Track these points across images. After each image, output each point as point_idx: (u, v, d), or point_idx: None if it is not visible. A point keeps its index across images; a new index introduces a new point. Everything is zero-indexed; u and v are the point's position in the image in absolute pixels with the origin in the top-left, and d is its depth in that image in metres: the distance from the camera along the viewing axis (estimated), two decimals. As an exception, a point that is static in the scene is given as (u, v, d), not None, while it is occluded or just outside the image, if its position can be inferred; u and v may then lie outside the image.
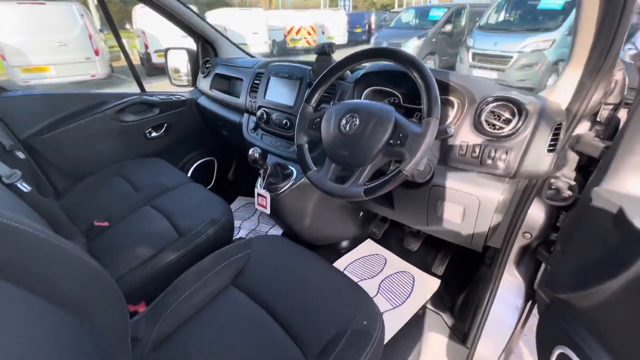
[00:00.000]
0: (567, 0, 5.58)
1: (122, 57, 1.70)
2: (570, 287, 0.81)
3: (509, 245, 1.03)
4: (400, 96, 1.04)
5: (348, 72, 1.13)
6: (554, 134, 0.78)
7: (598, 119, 0.87)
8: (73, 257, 0.50)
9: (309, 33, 11.99)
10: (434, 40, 7.31)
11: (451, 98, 0.90)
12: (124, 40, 1.72)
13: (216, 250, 1.13)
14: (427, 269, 1.44)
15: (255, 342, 0.75)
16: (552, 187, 0.92)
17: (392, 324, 1.21)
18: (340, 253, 1.55)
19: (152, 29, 7.77)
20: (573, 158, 0.92)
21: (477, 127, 0.85)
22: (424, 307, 1.28)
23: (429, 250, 1.52)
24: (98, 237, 1.13)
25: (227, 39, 1.78)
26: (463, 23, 7.88)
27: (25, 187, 0.98)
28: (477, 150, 0.85)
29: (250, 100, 1.39)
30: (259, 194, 1.19)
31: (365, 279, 1.40)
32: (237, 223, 1.77)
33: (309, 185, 1.18)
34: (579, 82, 0.79)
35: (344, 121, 0.82)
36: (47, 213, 1.03)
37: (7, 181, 0.96)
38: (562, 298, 0.84)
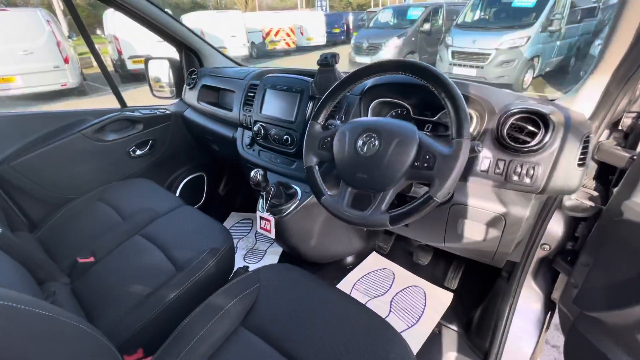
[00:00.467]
0: (538, -2, 5.75)
1: (95, 64, 1.56)
2: (603, 304, 0.77)
3: (528, 258, 0.99)
4: (409, 108, 0.98)
5: None
6: (584, 147, 0.74)
7: (620, 127, 0.84)
8: (51, 323, 0.41)
9: (287, 34, 11.89)
10: (413, 39, 7.40)
11: (470, 110, 0.84)
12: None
13: (218, 282, 1.04)
14: (439, 283, 1.39)
15: None
16: (572, 198, 0.88)
17: (410, 345, 1.15)
18: (346, 270, 1.48)
19: (125, 34, 7.50)
20: (592, 167, 0.89)
21: (500, 141, 0.79)
22: (439, 324, 1.23)
23: (438, 263, 1.47)
24: (83, 276, 1.01)
25: (213, 47, 1.67)
26: (440, 22, 8.01)
27: (-5, 229, 0.85)
28: (501, 165, 0.79)
29: (245, 114, 1.30)
30: (262, 218, 1.10)
31: (375, 297, 1.34)
32: (233, 242, 1.67)
33: (315, 204, 1.11)
34: (605, 91, 0.76)
35: (360, 142, 0.75)
36: (23, 256, 0.91)
37: None
38: (592, 315, 0.81)
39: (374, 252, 1.56)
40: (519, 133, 0.78)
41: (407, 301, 1.32)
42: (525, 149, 0.76)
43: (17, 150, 1.28)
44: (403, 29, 7.40)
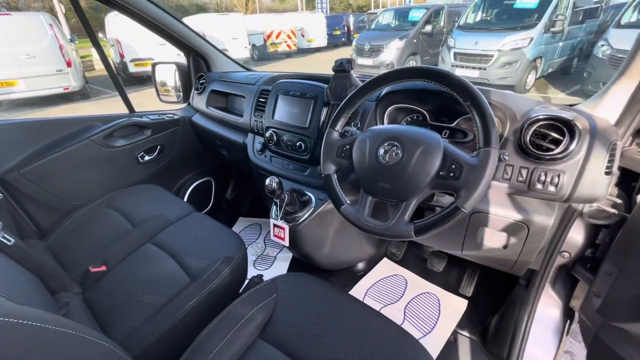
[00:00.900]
0: None
1: (96, 67, 1.54)
2: (628, 315, 0.75)
3: (548, 265, 0.97)
4: (426, 114, 0.97)
5: None
6: (611, 154, 0.73)
7: None
8: (70, 340, 0.39)
9: (289, 36, 11.89)
10: (415, 40, 7.38)
11: None
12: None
13: (232, 292, 1.02)
14: (453, 290, 1.37)
15: None
16: (593, 204, 0.87)
17: (426, 354, 1.13)
18: (357, 276, 1.46)
19: (127, 37, 7.50)
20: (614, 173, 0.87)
21: (523, 148, 0.78)
22: (454, 332, 1.21)
23: (452, 269, 1.45)
24: (95, 285, 1.00)
25: (221, 51, 1.66)
26: (442, 23, 8.01)
27: (8, 240, 0.84)
28: (524, 173, 0.78)
29: (256, 120, 1.28)
30: (275, 225, 1.09)
31: (388, 304, 1.32)
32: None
33: (329, 211, 1.09)
34: (632, 97, 0.74)
35: (382, 150, 0.74)
36: (36, 265, 0.89)
37: None
38: (617, 325, 0.79)
39: (385, 258, 1.54)
40: (542, 140, 0.76)
41: (421, 308, 1.30)
42: (549, 157, 0.75)
43: (26, 158, 1.27)
44: (405, 30, 7.39)
